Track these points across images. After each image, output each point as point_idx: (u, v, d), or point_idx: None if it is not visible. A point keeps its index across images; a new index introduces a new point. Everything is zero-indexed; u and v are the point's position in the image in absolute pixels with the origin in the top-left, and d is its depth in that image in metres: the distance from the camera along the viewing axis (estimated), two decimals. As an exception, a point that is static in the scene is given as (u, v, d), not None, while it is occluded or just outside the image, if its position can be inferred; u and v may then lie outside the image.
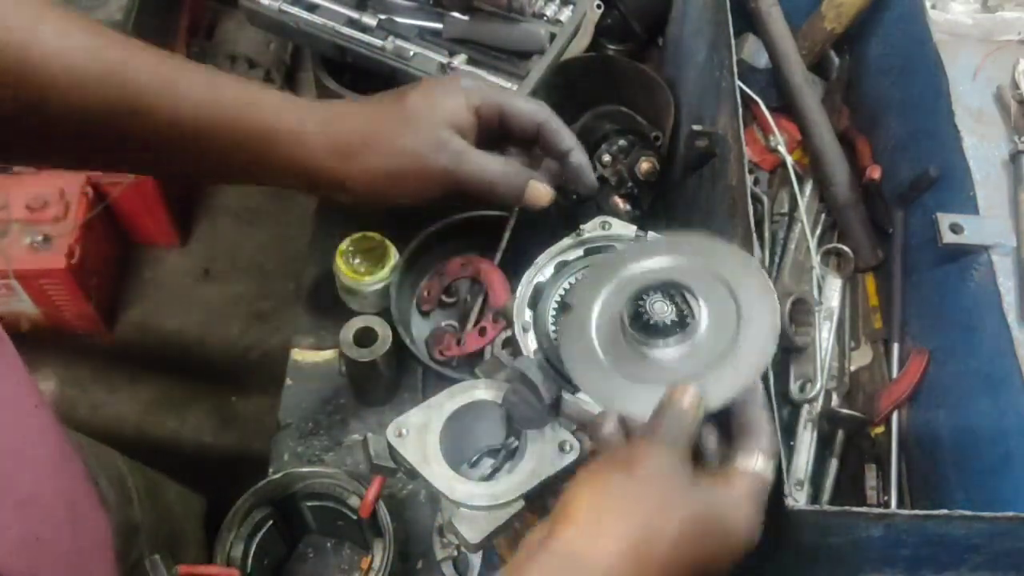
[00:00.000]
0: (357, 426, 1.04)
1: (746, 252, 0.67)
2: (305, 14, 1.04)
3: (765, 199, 1.02)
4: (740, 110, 0.77)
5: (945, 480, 0.81)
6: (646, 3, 1.22)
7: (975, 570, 0.65)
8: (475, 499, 0.68)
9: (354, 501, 0.90)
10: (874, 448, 0.88)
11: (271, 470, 0.99)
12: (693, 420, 0.57)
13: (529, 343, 0.72)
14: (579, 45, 1.18)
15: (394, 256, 1.07)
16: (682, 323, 0.63)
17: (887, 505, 0.85)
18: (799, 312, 0.92)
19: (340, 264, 1.06)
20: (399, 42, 1.02)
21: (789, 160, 0.99)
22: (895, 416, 0.87)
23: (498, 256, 1.06)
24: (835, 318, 0.95)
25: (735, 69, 0.80)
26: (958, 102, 0.85)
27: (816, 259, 0.95)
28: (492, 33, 1.04)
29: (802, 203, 0.99)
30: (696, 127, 0.88)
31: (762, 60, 1.05)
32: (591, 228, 0.77)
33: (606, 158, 1.07)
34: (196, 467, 1.96)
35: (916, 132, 0.93)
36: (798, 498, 0.84)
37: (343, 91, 1.05)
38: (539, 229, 0.78)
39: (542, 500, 0.70)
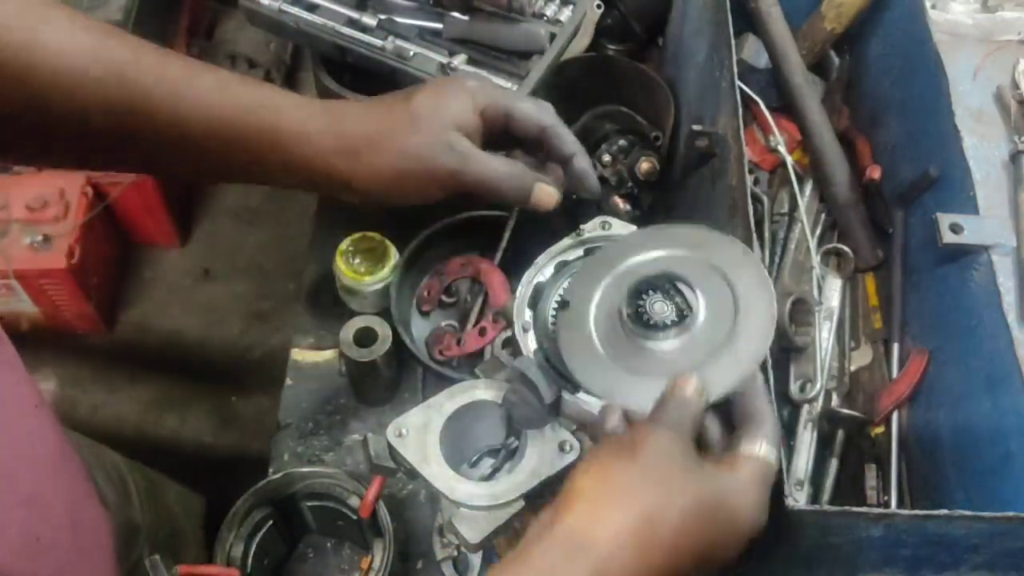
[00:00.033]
0: (357, 426, 1.04)
1: (741, 243, 0.68)
2: (305, 14, 1.04)
3: (765, 199, 1.02)
4: (740, 110, 0.77)
5: (945, 480, 0.81)
6: (646, 3, 1.22)
7: (975, 570, 0.65)
8: (475, 499, 0.68)
9: (354, 501, 0.90)
10: (874, 448, 0.88)
11: (271, 470, 0.99)
12: (696, 407, 0.57)
13: (529, 343, 0.72)
14: (579, 45, 1.18)
15: (394, 256, 1.07)
16: (680, 316, 0.64)
17: (887, 505, 0.85)
18: (799, 312, 0.92)
19: (340, 264, 1.06)
20: (399, 42, 1.02)
21: (789, 160, 0.99)
22: (895, 416, 0.87)
23: (498, 256, 1.06)
24: (835, 318, 0.95)
25: (735, 69, 0.80)
26: (958, 102, 0.85)
27: (816, 259, 0.95)
28: (492, 33, 1.04)
29: (802, 203, 0.99)
30: (696, 127, 0.88)
31: (762, 60, 1.05)
32: (591, 228, 0.77)
33: (606, 158, 1.07)
34: (196, 467, 1.96)
35: (916, 132, 0.93)
36: (798, 498, 0.84)
37: (343, 91, 1.05)
38: (539, 229, 0.78)
39: (542, 500, 0.70)
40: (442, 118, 0.70)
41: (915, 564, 0.64)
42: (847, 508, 0.59)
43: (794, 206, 1.00)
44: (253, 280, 2.28)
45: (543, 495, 0.69)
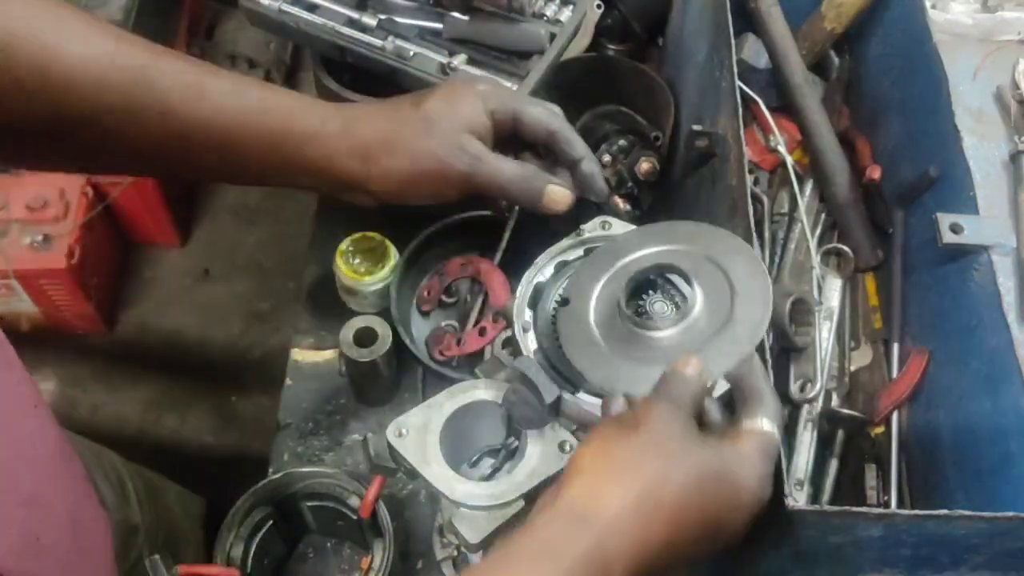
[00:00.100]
0: (357, 426, 1.04)
1: (735, 234, 0.70)
2: (305, 14, 1.04)
3: (765, 199, 1.02)
4: (740, 110, 0.77)
5: (945, 480, 0.81)
6: (646, 3, 1.22)
7: (975, 570, 0.65)
8: (475, 499, 0.68)
9: (354, 501, 0.90)
10: (874, 448, 0.88)
11: (271, 470, 0.99)
12: (696, 385, 0.58)
13: (529, 343, 0.72)
14: (579, 45, 1.18)
15: (394, 256, 1.07)
16: (678, 306, 0.66)
17: (887, 505, 0.85)
18: (799, 312, 0.92)
19: (340, 264, 1.06)
20: (399, 42, 1.02)
21: (789, 160, 0.99)
22: (895, 416, 0.87)
23: (498, 256, 1.06)
24: (835, 318, 0.95)
25: (735, 69, 0.80)
26: (958, 102, 0.85)
27: (816, 259, 0.95)
28: (492, 33, 1.04)
29: (802, 203, 0.99)
30: (696, 127, 0.88)
31: (762, 60, 1.05)
32: (591, 228, 0.77)
33: (606, 158, 1.07)
34: (196, 467, 1.96)
35: (916, 132, 0.93)
36: (798, 498, 0.84)
37: (343, 91, 1.05)
38: (539, 229, 0.78)
39: (542, 500, 0.70)
40: (454, 120, 0.71)
41: (915, 564, 0.64)
42: (847, 508, 0.59)
43: (794, 206, 0.99)
44: (253, 280, 2.29)
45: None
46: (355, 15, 1.04)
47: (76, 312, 2.07)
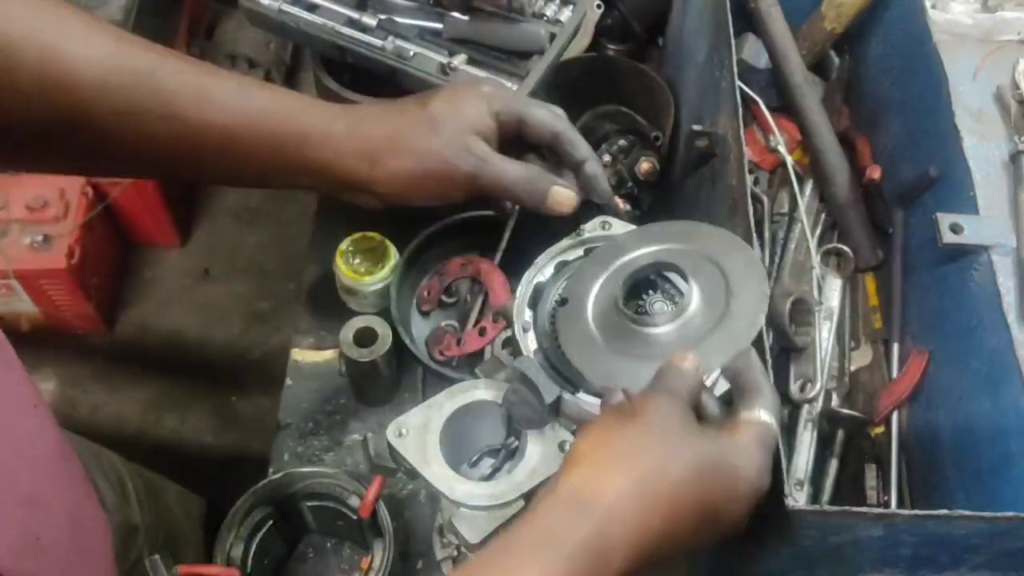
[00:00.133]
0: (357, 426, 1.04)
1: (730, 231, 0.71)
2: (305, 14, 1.04)
3: (765, 199, 1.02)
4: (740, 110, 0.77)
5: (945, 480, 0.81)
6: (646, 3, 1.22)
7: (975, 570, 0.65)
8: (475, 499, 0.68)
9: (354, 501, 0.90)
10: (874, 448, 0.88)
11: (271, 470, 0.99)
12: (694, 378, 0.59)
13: (529, 343, 0.72)
14: (579, 45, 1.18)
15: (394, 256, 1.07)
16: (675, 302, 0.67)
17: (887, 505, 0.85)
18: (799, 312, 0.92)
19: (340, 264, 1.06)
20: (399, 42, 1.02)
21: (789, 160, 0.99)
22: (895, 416, 0.87)
23: (498, 256, 1.06)
24: (835, 318, 0.95)
25: (735, 69, 0.80)
26: (958, 102, 0.85)
27: (816, 259, 0.95)
28: (492, 33, 1.04)
29: (802, 203, 0.99)
30: (696, 127, 0.88)
31: (762, 60, 1.05)
32: (591, 228, 0.77)
33: (606, 158, 1.07)
34: (196, 467, 1.96)
35: (916, 132, 0.93)
36: (798, 498, 0.84)
37: (343, 91, 1.05)
38: (539, 229, 0.78)
39: (542, 500, 0.70)
40: (459, 122, 0.71)
41: (915, 564, 0.64)
42: (847, 508, 0.59)
43: (794, 206, 0.99)
44: (253, 280, 2.29)
45: (543, 495, 0.69)
46: (355, 15, 1.04)
47: (76, 312, 2.07)
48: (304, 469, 0.92)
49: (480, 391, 0.74)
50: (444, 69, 1.01)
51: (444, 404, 0.73)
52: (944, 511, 0.58)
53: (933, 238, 0.79)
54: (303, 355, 1.09)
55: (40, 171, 0.77)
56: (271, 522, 0.91)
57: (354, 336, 0.98)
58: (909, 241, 0.93)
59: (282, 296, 2.21)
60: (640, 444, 0.55)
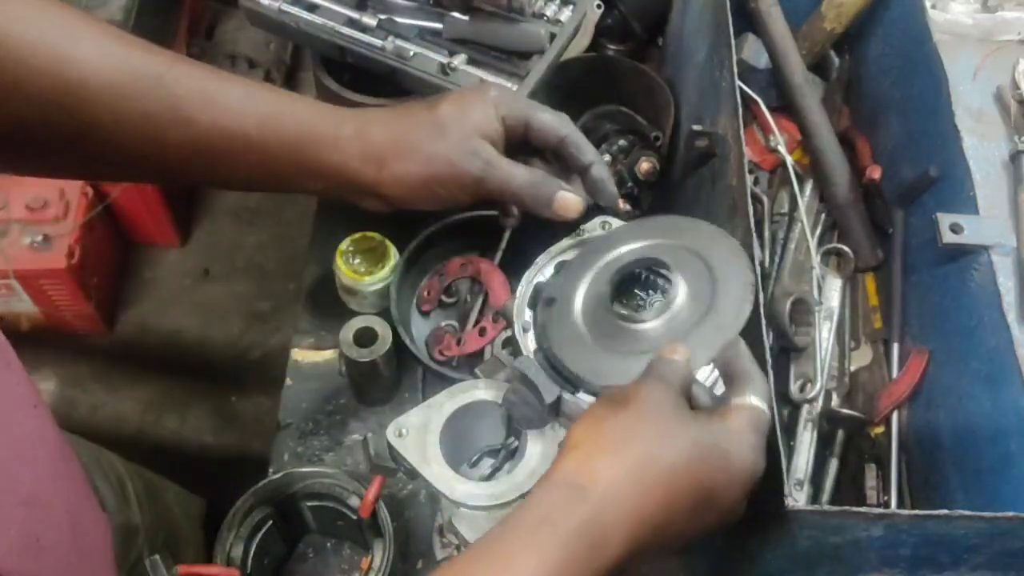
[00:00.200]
0: (357, 426, 1.04)
1: (713, 224, 0.72)
2: (305, 14, 1.04)
3: (765, 199, 1.02)
4: (740, 110, 0.77)
5: (945, 480, 0.81)
6: (646, 3, 1.22)
7: (975, 570, 0.65)
8: (475, 499, 0.68)
9: (354, 501, 0.90)
10: (874, 448, 0.88)
11: (271, 470, 0.99)
12: (685, 368, 0.60)
13: (529, 343, 0.72)
14: (579, 45, 1.18)
15: (394, 256, 1.07)
16: (662, 297, 0.67)
17: (887, 505, 0.85)
18: (799, 312, 0.92)
19: (340, 264, 1.06)
20: (399, 42, 1.02)
21: (789, 160, 0.99)
22: (895, 416, 0.87)
23: (498, 256, 1.06)
24: (835, 318, 0.95)
25: (735, 69, 0.79)
26: (958, 102, 0.85)
27: (816, 259, 0.95)
28: (492, 33, 1.04)
29: (802, 203, 0.99)
30: (696, 127, 0.88)
31: (762, 60, 1.05)
32: (591, 228, 0.77)
33: (606, 158, 1.07)
34: (196, 467, 1.96)
35: (916, 132, 0.93)
36: (798, 498, 0.84)
37: (343, 91, 1.05)
38: (539, 229, 0.78)
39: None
40: (466, 126, 0.71)
41: (915, 564, 0.64)
42: (847, 508, 0.59)
43: (794, 206, 0.99)
44: (253, 280, 2.29)
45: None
46: (355, 15, 1.04)
47: (76, 312, 2.07)
48: (304, 469, 0.92)
49: (480, 391, 0.74)
50: (444, 69, 1.01)
51: (444, 404, 0.73)
52: (944, 511, 0.58)
53: (933, 238, 0.79)
54: (303, 355, 1.09)
55: (47, 176, 0.78)
56: (271, 522, 0.91)
57: (354, 336, 0.98)
58: (909, 241, 0.93)
59: (282, 296, 2.21)
60: (633, 430, 0.55)
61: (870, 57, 1.05)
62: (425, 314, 1.09)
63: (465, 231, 1.09)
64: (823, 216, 1.00)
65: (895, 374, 0.89)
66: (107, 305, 2.17)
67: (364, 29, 1.03)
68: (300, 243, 1.91)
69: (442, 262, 1.10)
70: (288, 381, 1.07)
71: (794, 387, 0.90)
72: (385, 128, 0.72)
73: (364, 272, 1.06)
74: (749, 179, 0.78)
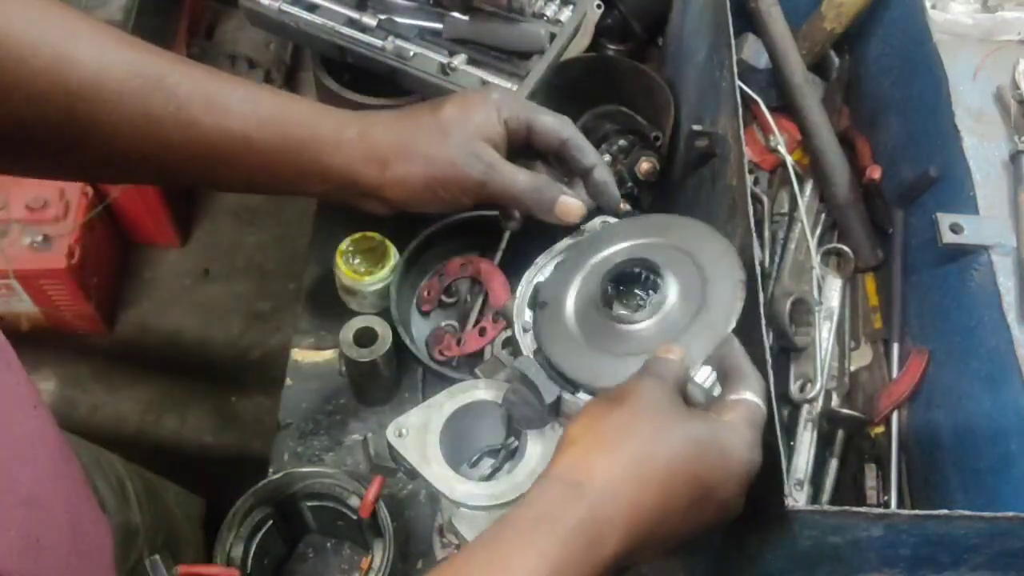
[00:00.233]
0: (357, 426, 1.04)
1: (701, 221, 0.72)
2: (305, 14, 1.04)
3: (765, 199, 1.02)
4: (740, 110, 0.77)
5: (945, 480, 0.81)
6: (646, 3, 1.22)
7: (975, 570, 0.65)
8: (475, 499, 0.68)
9: (354, 501, 0.90)
10: (874, 448, 0.88)
11: (271, 470, 0.99)
12: (680, 367, 0.60)
13: (529, 343, 0.72)
14: (579, 45, 1.18)
15: (394, 256, 1.07)
16: (653, 297, 0.67)
17: (887, 505, 0.85)
18: (799, 312, 0.92)
19: (340, 264, 1.06)
20: (399, 42, 1.02)
21: (789, 160, 0.99)
22: (895, 416, 0.87)
23: (498, 256, 1.06)
24: (835, 318, 0.95)
25: (735, 69, 0.79)
26: (958, 102, 0.85)
27: (816, 259, 0.95)
28: (492, 33, 1.04)
29: (802, 203, 0.99)
30: (696, 127, 0.88)
31: (762, 60, 1.05)
32: (591, 228, 0.77)
33: (606, 158, 1.07)
34: (196, 467, 1.96)
35: (916, 132, 0.93)
36: (798, 498, 0.84)
37: (343, 91, 1.05)
38: (539, 229, 0.78)
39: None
40: (469, 128, 0.71)
41: (915, 564, 0.64)
42: (847, 508, 0.59)
43: (794, 206, 0.99)
44: (253, 280, 2.29)
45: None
46: (355, 15, 1.04)
47: (76, 312, 2.07)
48: (304, 469, 0.92)
49: (480, 391, 0.74)
50: (444, 69, 1.01)
51: (444, 404, 0.73)
52: (944, 511, 0.58)
53: (933, 238, 0.79)
54: (303, 355, 1.09)
55: (47, 177, 0.78)
56: (271, 522, 0.91)
57: (354, 336, 0.98)
58: (909, 241, 0.93)
59: (282, 296, 2.22)
60: (629, 426, 0.56)
61: (870, 57, 1.05)
62: (425, 314, 1.09)
63: (465, 231, 1.09)
64: (823, 216, 1.00)
65: (895, 374, 0.89)
66: (107, 305, 2.17)
67: (364, 29, 1.03)
68: (300, 243, 1.91)
69: (442, 262, 1.10)
70: (288, 381, 1.07)
71: (794, 387, 0.90)
72: (388, 130, 0.72)
73: (364, 272, 1.06)
74: (749, 179, 0.78)
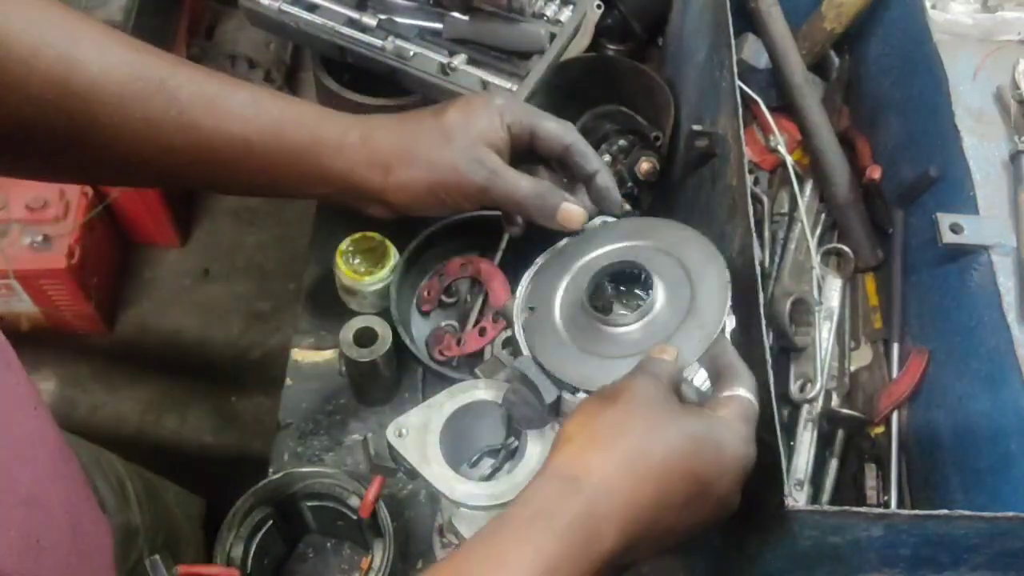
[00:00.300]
0: (357, 426, 1.04)
1: (684, 224, 0.73)
2: (305, 14, 1.04)
3: (765, 199, 1.02)
4: (740, 110, 0.77)
5: (945, 480, 0.81)
6: (646, 3, 1.22)
7: (975, 570, 0.65)
8: (475, 499, 0.68)
9: (354, 501, 0.90)
10: (874, 448, 0.88)
11: (271, 470, 0.99)
12: (673, 366, 0.61)
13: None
14: (579, 45, 1.18)
15: (394, 256, 1.07)
16: (642, 299, 0.68)
17: (887, 505, 0.85)
18: (799, 312, 0.92)
19: (340, 264, 1.06)
20: (399, 42, 1.02)
21: (789, 160, 0.99)
22: (895, 416, 0.87)
23: (498, 256, 1.06)
24: (835, 318, 0.95)
25: (735, 69, 0.79)
26: (958, 102, 0.85)
27: (816, 259, 0.95)
28: (492, 33, 1.04)
29: (802, 203, 0.99)
30: (696, 127, 0.88)
31: (762, 60, 1.05)
32: (591, 228, 0.77)
33: (606, 158, 1.07)
34: (196, 467, 1.96)
35: (916, 132, 0.93)
36: (798, 498, 0.84)
37: (343, 91, 1.05)
38: (539, 230, 0.78)
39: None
40: (472, 133, 0.71)
41: (915, 564, 0.64)
42: (847, 508, 0.59)
43: (794, 206, 1.00)
44: (253, 280, 2.29)
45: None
46: (355, 15, 1.04)
47: (76, 312, 2.07)
48: (304, 469, 0.92)
49: (480, 391, 0.74)
50: (444, 69, 1.01)
51: (444, 404, 0.73)
52: (944, 511, 0.58)
53: (933, 238, 0.79)
54: (303, 355, 1.09)
55: (48, 179, 0.77)
56: (271, 522, 0.91)
57: (354, 336, 0.98)
58: (909, 241, 0.93)
59: (282, 296, 2.21)
60: (624, 422, 0.56)
61: (870, 57, 1.05)
62: (425, 314, 1.09)
63: (465, 231, 1.09)
64: (823, 216, 1.00)
65: (895, 374, 0.89)
66: (107, 305, 2.17)
67: (364, 29, 1.03)
68: (300, 243, 1.91)
69: (442, 262, 1.10)
70: (288, 381, 1.07)
71: (794, 387, 0.90)
72: (391, 134, 0.72)
73: (364, 272, 1.06)
74: (749, 179, 0.78)
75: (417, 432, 0.71)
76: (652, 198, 1.07)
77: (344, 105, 1.04)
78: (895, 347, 0.91)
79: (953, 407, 0.81)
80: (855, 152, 1.01)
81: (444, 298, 1.09)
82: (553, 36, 1.03)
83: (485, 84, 1.00)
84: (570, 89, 1.08)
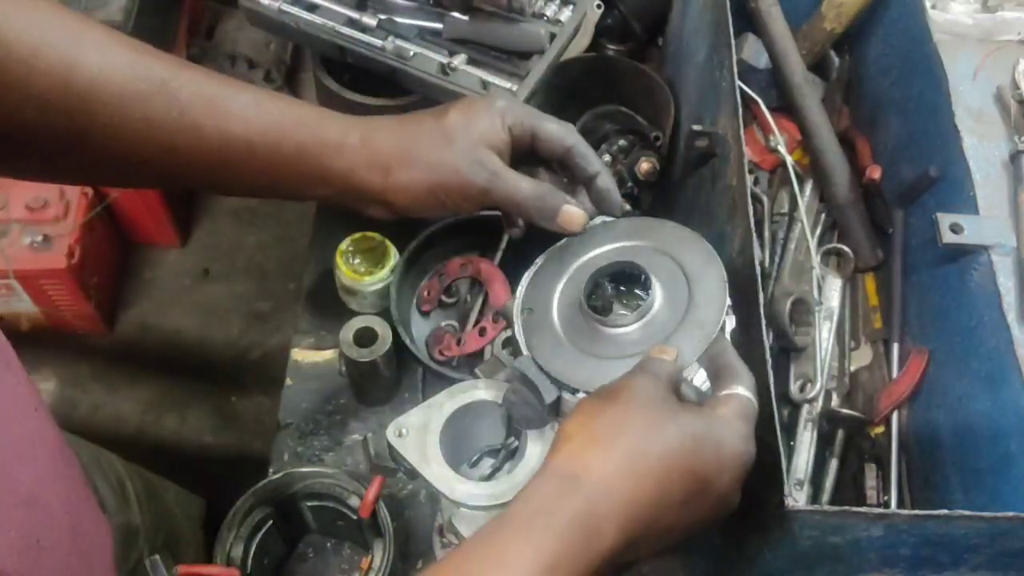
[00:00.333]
0: (357, 426, 1.04)
1: (681, 224, 0.73)
2: (305, 14, 1.04)
3: (765, 199, 1.02)
4: (740, 110, 0.77)
5: (945, 480, 0.81)
6: (646, 3, 1.22)
7: (975, 570, 0.65)
8: (475, 499, 0.68)
9: (354, 501, 0.90)
10: (874, 448, 0.88)
11: (271, 470, 0.99)
12: (673, 366, 0.61)
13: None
14: (579, 45, 1.18)
15: (394, 256, 1.07)
16: (640, 300, 0.68)
17: (887, 505, 0.85)
18: (799, 312, 0.92)
19: (340, 264, 1.06)
20: (399, 42, 1.02)
21: (789, 160, 0.99)
22: (895, 416, 0.87)
23: (498, 256, 1.06)
24: (835, 318, 0.95)
25: (735, 69, 0.79)
26: (958, 102, 0.85)
27: (816, 259, 0.95)
28: (492, 33, 1.04)
29: (802, 203, 0.99)
30: (696, 127, 0.88)
31: (762, 60, 1.05)
32: (591, 228, 0.77)
33: (606, 158, 1.07)
34: (196, 467, 1.96)
35: (916, 132, 0.93)
36: (798, 498, 0.84)
37: (343, 91, 1.05)
38: (540, 230, 0.78)
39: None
40: (473, 135, 0.71)
41: (915, 564, 0.64)
42: (847, 508, 0.59)
43: (794, 206, 1.00)
44: (253, 280, 2.29)
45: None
46: (355, 15, 1.04)
47: (76, 312, 2.07)
48: (304, 469, 0.92)
49: (480, 391, 0.74)
50: (444, 69, 1.01)
51: (444, 404, 0.73)
52: (944, 511, 0.58)
53: (933, 238, 0.79)
54: (303, 355, 1.09)
55: (48, 180, 0.77)
56: (271, 522, 0.91)
57: (354, 336, 0.99)
58: (909, 241, 0.93)
59: (282, 296, 2.21)
60: (623, 421, 0.56)
61: (870, 57, 1.05)
62: (425, 314, 1.09)
63: (465, 231, 1.09)
64: (823, 216, 1.01)
65: (895, 374, 0.89)
66: (107, 305, 2.17)
67: (364, 29, 1.03)
68: (300, 243, 1.91)
69: (442, 262, 1.10)
70: (288, 381, 1.07)
71: (794, 387, 0.90)
72: (391, 136, 0.72)
73: (364, 272, 1.06)
74: (749, 179, 0.78)
75: (417, 432, 0.71)
76: (652, 198, 1.07)
77: (344, 105, 1.04)
78: (895, 347, 0.91)
79: (953, 407, 0.81)
80: (855, 152, 1.01)
81: (444, 298, 1.09)
82: (553, 36, 1.03)
83: (485, 84, 1.00)
84: (570, 89, 1.08)
